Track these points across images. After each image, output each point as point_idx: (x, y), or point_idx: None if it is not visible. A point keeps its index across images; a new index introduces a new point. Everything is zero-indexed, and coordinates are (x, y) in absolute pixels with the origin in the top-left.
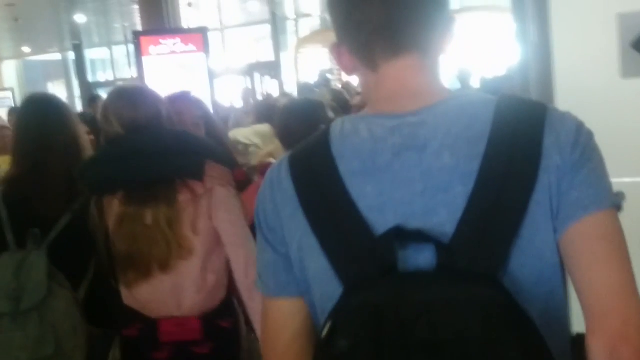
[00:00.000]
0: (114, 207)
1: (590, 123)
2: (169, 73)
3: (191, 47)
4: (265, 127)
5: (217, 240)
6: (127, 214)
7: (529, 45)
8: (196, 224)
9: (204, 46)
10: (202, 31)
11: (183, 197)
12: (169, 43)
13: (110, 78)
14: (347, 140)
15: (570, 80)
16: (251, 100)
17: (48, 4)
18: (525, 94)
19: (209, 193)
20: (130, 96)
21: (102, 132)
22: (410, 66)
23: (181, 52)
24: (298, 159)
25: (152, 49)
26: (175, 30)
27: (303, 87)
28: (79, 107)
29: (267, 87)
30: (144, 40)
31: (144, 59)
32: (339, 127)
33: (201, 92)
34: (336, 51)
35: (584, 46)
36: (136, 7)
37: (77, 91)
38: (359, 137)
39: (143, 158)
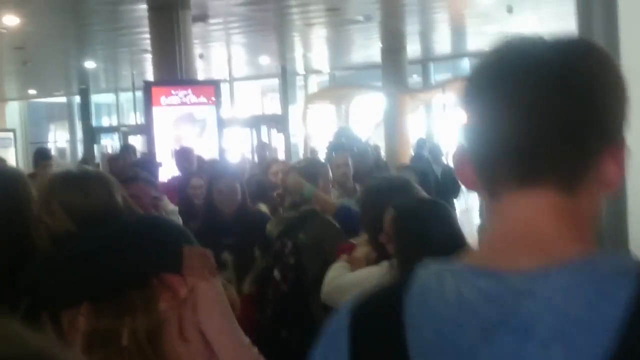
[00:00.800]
0: (79, 325)
1: None
2: (178, 125)
3: (202, 99)
4: (262, 209)
5: (210, 348)
6: (97, 333)
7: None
8: (183, 333)
9: (216, 99)
10: (215, 84)
11: (164, 303)
12: (180, 94)
13: (115, 123)
14: (426, 302)
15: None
16: (267, 154)
17: (58, 49)
18: None
19: (191, 292)
20: (78, 182)
21: (35, 230)
22: (540, 204)
23: (192, 104)
24: (361, 316)
25: (163, 99)
26: (187, 82)
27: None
28: (80, 150)
29: (274, 140)
30: (155, 90)
31: (154, 109)
32: (422, 278)
33: (210, 145)
34: (459, 155)
35: None
36: (147, 55)
37: (79, 134)
38: (443, 300)
39: (110, 255)
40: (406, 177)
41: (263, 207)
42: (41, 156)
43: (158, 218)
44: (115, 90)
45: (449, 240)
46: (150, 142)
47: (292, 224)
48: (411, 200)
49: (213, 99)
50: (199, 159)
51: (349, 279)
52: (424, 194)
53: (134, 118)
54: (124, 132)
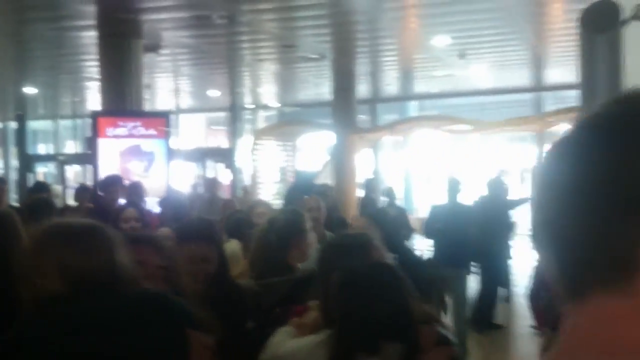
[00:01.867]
0: None
1: None
2: (125, 158)
3: (152, 131)
4: (233, 245)
5: None
6: None
7: None
8: None
9: (166, 131)
10: (165, 115)
11: None
12: (129, 126)
13: (52, 151)
14: None
15: None
16: (217, 192)
17: None
18: None
19: None
20: (80, 239)
21: (16, 288)
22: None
23: (140, 136)
24: None
25: (110, 130)
26: (136, 113)
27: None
28: (13, 177)
29: (219, 175)
30: (102, 120)
31: (100, 140)
32: None
33: (159, 178)
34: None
35: None
36: (90, 83)
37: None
38: None
39: (112, 332)
40: (367, 235)
41: (234, 244)
42: None
43: (164, 295)
44: (55, 118)
45: (395, 315)
46: (95, 173)
47: None
48: (361, 264)
49: (163, 131)
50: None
51: (286, 347)
52: (385, 254)
53: (73, 146)
54: (61, 160)
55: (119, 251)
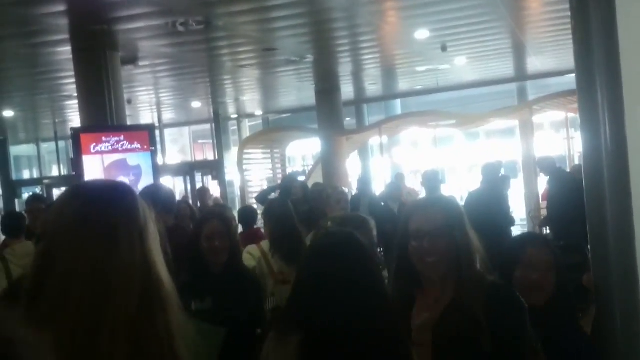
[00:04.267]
0: None
1: None
2: (110, 173)
3: (136, 145)
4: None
5: None
6: None
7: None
8: None
9: (151, 144)
10: (149, 128)
11: None
12: (112, 141)
13: (36, 176)
14: None
15: None
16: (209, 202)
17: None
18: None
19: None
20: None
21: None
22: None
23: (124, 151)
24: None
25: (93, 146)
26: (119, 128)
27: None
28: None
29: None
30: (84, 137)
31: (84, 157)
32: None
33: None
34: None
35: None
36: (70, 102)
37: None
38: None
39: None
40: (349, 231)
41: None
42: None
43: None
44: (36, 141)
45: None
46: None
47: None
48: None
49: (148, 145)
50: None
51: None
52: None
53: (58, 169)
54: (48, 184)
55: None
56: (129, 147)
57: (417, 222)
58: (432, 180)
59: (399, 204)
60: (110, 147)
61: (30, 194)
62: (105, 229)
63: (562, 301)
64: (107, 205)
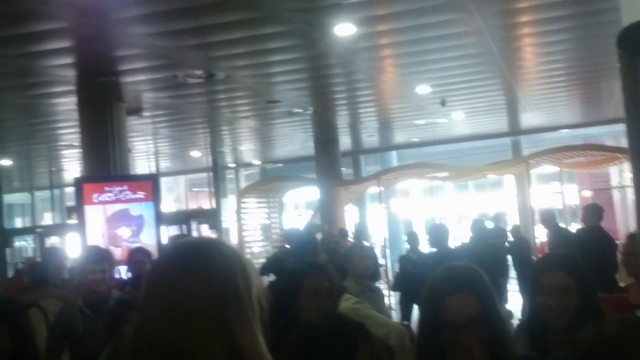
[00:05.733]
0: None
1: None
2: (112, 224)
3: (139, 194)
4: None
5: None
6: None
7: None
8: None
9: (154, 193)
10: (152, 178)
11: None
12: (115, 190)
13: (29, 224)
14: None
15: None
16: None
17: None
18: None
19: None
20: None
21: None
22: None
23: (127, 200)
24: None
25: (96, 196)
26: (122, 177)
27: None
28: None
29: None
30: (87, 187)
31: (86, 207)
32: None
33: (148, 242)
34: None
35: None
36: (66, 152)
37: None
38: None
39: None
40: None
41: None
42: None
43: None
44: (31, 189)
45: None
46: (83, 243)
47: None
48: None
49: (151, 194)
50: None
51: None
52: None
53: (50, 218)
54: (40, 233)
55: None
56: (132, 196)
57: (451, 311)
58: (438, 236)
59: (417, 255)
60: (113, 197)
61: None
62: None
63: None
64: (206, 261)
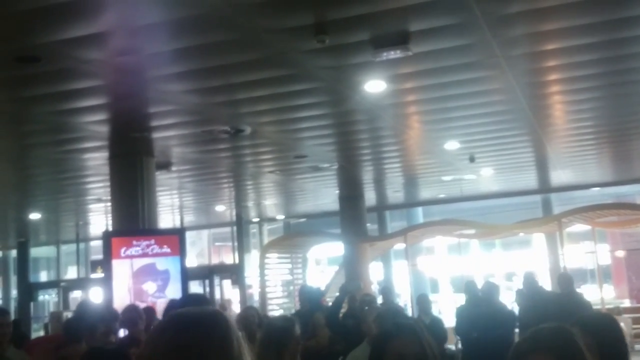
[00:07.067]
0: None
1: None
2: (139, 278)
3: (166, 249)
4: None
5: None
6: None
7: None
8: None
9: (181, 248)
10: (179, 232)
11: None
12: (142, 245)
13: (53, 278)
14: None
15: None
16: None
17: None
18: None
19: None
20: None
21: None
22: None
23: (154, 255)
24: None
25: (124, 250)
26: (150, 231)
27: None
28: (13, 307)
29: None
30: (115, 241)
31: (114, 262)
32: None
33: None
34: None
35: None
36: (94, 205)
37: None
38: None
39: None
40: None
41: None
42: None
43: None
44: (57, 243)
45: None
46: (109, 297)
47: None
48: None
49: (177, 249)
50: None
51: None
52: None
53: (76, 271)
54: (64, 287)
55: None
56: (159, 251)
57: None
58: (491, 291)
59: (430, 317)
60: (140, 251)
61: None
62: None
63: None
64: (199, 336)
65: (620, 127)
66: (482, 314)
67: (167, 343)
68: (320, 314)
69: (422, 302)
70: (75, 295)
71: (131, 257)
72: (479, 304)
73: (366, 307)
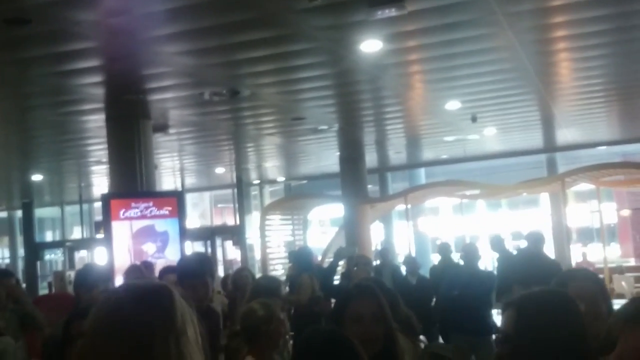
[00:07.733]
0: None
1: None
2: (138, 239)
3: (164, 211)
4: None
5: None
6: None
7: None
8: None
9: (179, 210)
10: (177, 195)
11: None
12: (141, 206)
13: (59, 238)
14: None
15: None
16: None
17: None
18: None
19: None
20: None
21: None
22: None
23: (153, 216)
24: None
25: (122, 212)
26: (148, 194)
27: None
28: (20, 267)
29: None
30: (114, 203)
31: (113, 223)
32: None
33: (173, 258)
34: None
35: None
36: (95, 167)
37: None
38: None
39: None
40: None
41: None
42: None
43: None
44: (61, 204)
45: None
46: (109, 258)
47: None
48: None
49: (176, 210)
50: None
51: None
52: None
53: (80, 232)
54: (70, 247)
55: None
56: (158, 213)
57: None
58: (471, 253)
59: (417, 277)
60: (139, 213)
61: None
62: (139, 331)
63: None
64: (143, 308)
65: (628, 84)
66: (461, 273)
67: (110, 313)
68: (308, 274)
69: (409, 263)
70: (82, 254)
71: (130, 218)
72: (457, 264)
73: (355, 267)
